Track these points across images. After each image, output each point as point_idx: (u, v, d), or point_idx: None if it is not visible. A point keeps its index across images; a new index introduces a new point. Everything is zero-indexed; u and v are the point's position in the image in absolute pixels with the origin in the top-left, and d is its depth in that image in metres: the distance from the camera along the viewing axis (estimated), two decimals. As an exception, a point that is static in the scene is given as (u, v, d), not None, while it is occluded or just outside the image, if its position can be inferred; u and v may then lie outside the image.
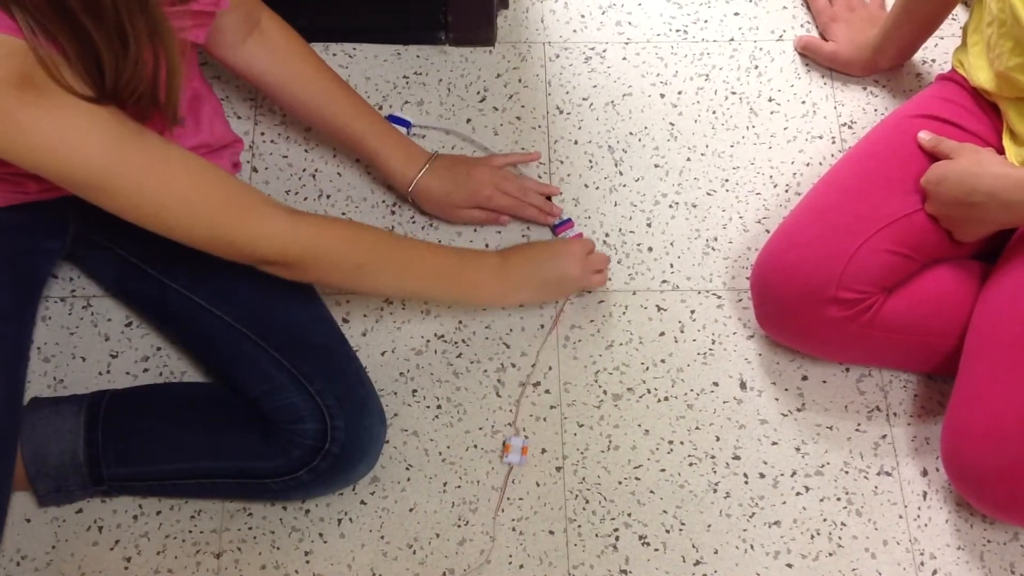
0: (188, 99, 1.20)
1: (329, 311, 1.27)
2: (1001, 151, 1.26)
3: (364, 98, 1.37)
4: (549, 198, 1.44)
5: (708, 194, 1.47)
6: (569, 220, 1.43)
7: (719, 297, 1.41)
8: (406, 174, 1.36)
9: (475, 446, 1.31)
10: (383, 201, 1.44)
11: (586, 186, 1.47)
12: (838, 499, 1.29)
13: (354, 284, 1.23)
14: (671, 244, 1.44)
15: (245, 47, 1.27)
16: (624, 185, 1.47)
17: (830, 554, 1.26)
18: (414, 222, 1.43)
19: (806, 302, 1.25)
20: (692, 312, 1.40)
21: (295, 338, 1.20)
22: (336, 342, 1.23)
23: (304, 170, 1.46)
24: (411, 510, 1.28)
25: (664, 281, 1.41)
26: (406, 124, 1.47)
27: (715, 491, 1.29)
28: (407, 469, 1.30)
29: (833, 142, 1.51)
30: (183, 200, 1.03)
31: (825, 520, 1.28)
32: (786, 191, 1.47)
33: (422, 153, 1.38)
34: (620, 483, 1.30)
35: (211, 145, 1.27)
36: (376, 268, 1.18)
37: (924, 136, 1.28)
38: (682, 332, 1.39)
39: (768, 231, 1.42)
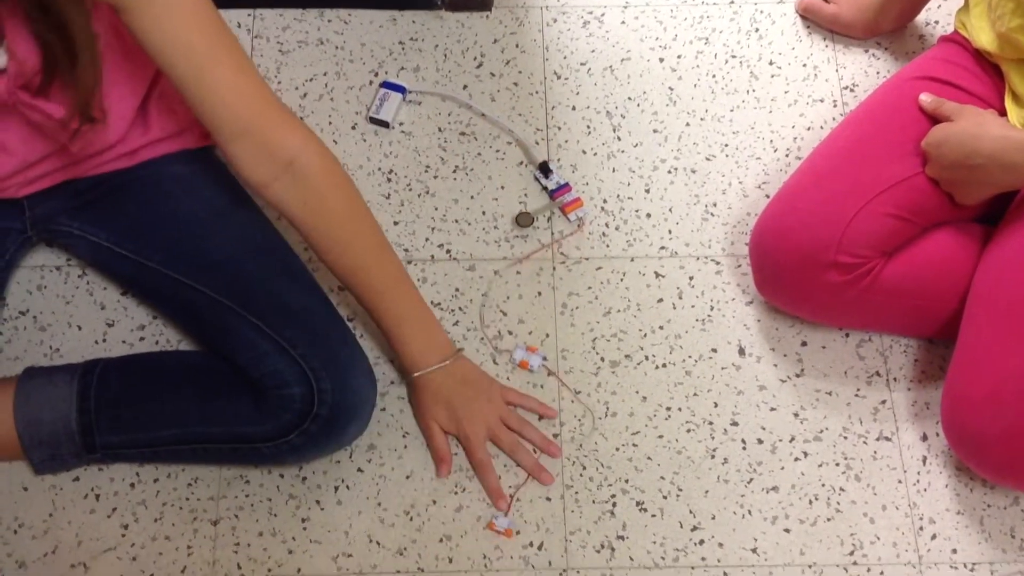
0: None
1: (312, 276, 1.26)
2: (1003, 113, 1.25)
3: (401, 265, 1.26)
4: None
5: (707, 159, 1.45)
6: (567, 185, 1.42)
7: (718, 263, 1.39)
8: (417, 362, 1.25)
9: (472, 413, 1.30)
10: (379, 169, 1.44)
11: (584, 152, 1.46)
12: (837, 464, 1.28)
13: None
14: (670, 210, 1.42)
15: (276, 186, 1.15)
16: (622, 151, 1.46)
17: (828, 519, 1.25)
18: (410, 189, 1.42)
19: (805, 267, 1.24)
20: (691, 278, 1.39)
21: (276, 304, 1.19)
22: (319, 306, 1.22)
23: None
24: (408, 477, 1.27)
25: (662, 247, 1.40)
26: (402, 90, 1.46)
27: (713, 457, 1.29)
28: (403, 436, 1.29)
29: (835, 105, 1.49)
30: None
31: (823, 485, 1.27)
32: (787, 156, 1.45)
33: (444, 345, 1.27)
34: (617, 450, 1.29)
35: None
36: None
37: (925, 98, 1.26)
38: (680, 298, 1.38)
39: (768, 196, 1.40)
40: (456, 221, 1.41)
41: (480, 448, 1.26)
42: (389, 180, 1.43)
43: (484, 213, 1.41)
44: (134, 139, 1.23)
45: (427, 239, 1.40)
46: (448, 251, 1.40)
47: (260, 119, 1.12)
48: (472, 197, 1.42)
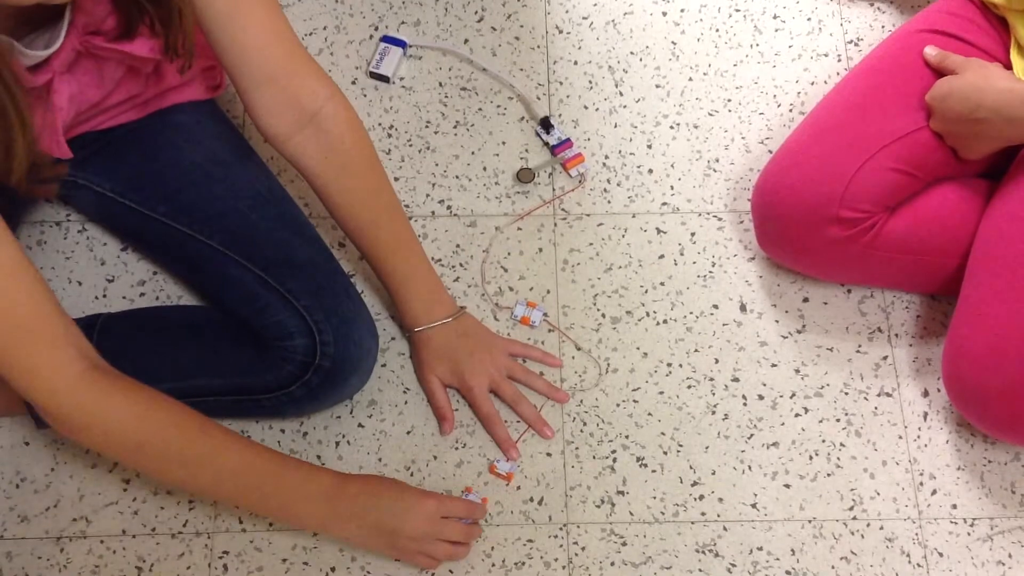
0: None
1: (315, 230, 1.26)
2: (1008, 66, 1.23)
3: (410, 224, 1.25)
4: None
5: (710, 115, 1.44)
6: (568, 140, 1.41)
7: (720, 219, 1.39)
8: (419, 318, 1.25)
9: (472, 369, 1.30)
10: (379, 124, 1.43)
11: (586, 107, 1.44)
12: (837, 420, 1.28)
13: (135, 465, 1.14)
14: (672, 166, 1.41)
15: (298, 139, 1.14)
16: (624, 106, 1.44)
17: (828, 475, 1.25)
18: (410, 145, 1.41)
19: (807, 222, 1.23)
20: (692, 234, 1.38)
21: (280, 257, 1.19)
22: (322, 259, 1.22)
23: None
24: (408, 433, 1.28)
25: (664, 203, 1.39)
26: (402, 45, 1.45)
27: (713, 413, 1.29)
28: (404, 392, 1.29)
29: (839, 60, 1.47)
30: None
31: (824, 441, 1.27)
32: (790, 111, 1.44)
33: (447, 303, 1.26)
34: (618, 406, 1.29)
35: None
36: (161, 454, 1.04)
37: (930, 51, 1.25)
38: (682, 255, 1.37)
39: (771, 152, 1.39)
40: (457, 177, 1.40)
41: (484, 401, 1.26)
42: (389, 136, 1.42)
43: (485, 169, 1.41)
44: (149, 88, 1.22)
45: (428, 195, 1.39)
46: (449, 207, 1.39)
47: (289, 65, 1.11)
48: (473, 153, 1.41)
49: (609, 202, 1.39)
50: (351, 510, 1.12)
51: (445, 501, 1.18)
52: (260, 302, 1.17)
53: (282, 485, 1.09)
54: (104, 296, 1.32)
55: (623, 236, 1.38)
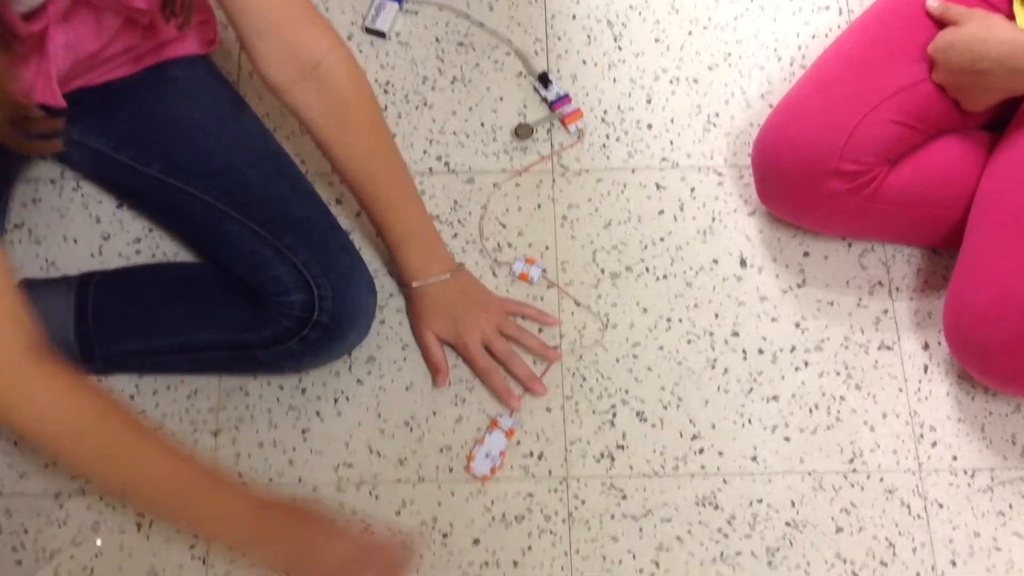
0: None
1: (312, 186, 1.25)
2: (1011, 16, 1.22)
3: (412, 180, 1.25)
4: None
5: (710, 69, 1.43)
6: (566, 95, 1.40)
7: (720, 174, 1.38)
8: (417, 274, 1.24)
9: (471, 325, 1.30)
10: (375, 80, 1.41)
11: (584, 62, 1.43)
12: (837, 374, 1.28)
13: (53, 452, 1.11)
14: (671, 121, 1.40)
15: (297, 89, 1.13)
16: (623, 61, 1.43)
17: (828, 428, 1.25)
18: (407, 101, 1.40)
19: (808, 176, 1.22)
20: (692, 190, 1.37)
21: (276, 212, 1.18)
22: (319, 214, 1.21)
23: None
24: (407, 389, 1.27)
25: (664, 159, 1.39)
26: (398, 0, 1.43)
27: (713, 368, 1.28)
28: (403, 349, 1.29)
29: (840, 13, 1.46)
30: None
31: (824, 394, 1.27)
32: (791, 65, 1.43)
33: (445, 261, 1.25)
34: (618, 361, 1.29)
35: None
36: (82, 447, 0.98)
37: (931, 2, 1.23)
38: (682, 210, 1.36)
39: (771, 106, 1.38)
40: (454, 133, 1.39)
41: (480, 355, 1.25)
42: (386, 92, 1.41)
43: (483, 125, 1.39)
44: (146, 41, 1.21)
45: (425, 151, 1.38)
46: (446, 164, 1.38)
47: (291, 15, 1.10)
48: (470, 109, 1.40)
49: (608, 158, 1.38)
50: (270, 535, 1.06)
51: (367, 542, 1.12)
52: (257, 258, 1.17)
53: (204, 502, 1.04)
54: (100, 254, 1.31)
55: (622, 192, 1.37)
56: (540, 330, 1.29)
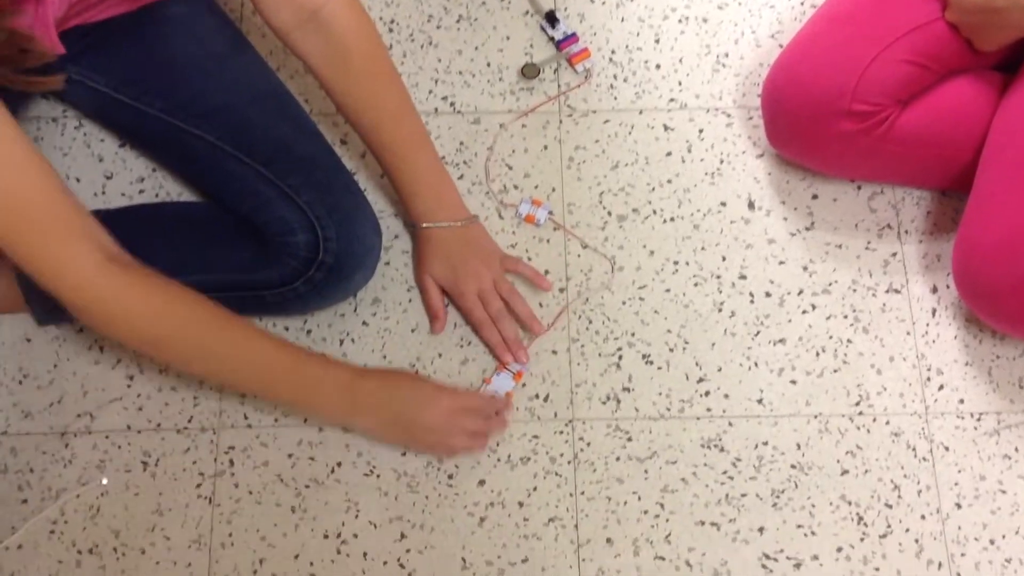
0: None
1: (316, 125, 1.23)
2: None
3: (422, 127, 1.23)
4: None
5: (719, 8, 1.41)
6: (574, 35, 1.38)
7: (728, 115, 1.36)
8: (422, 216, 1.23)
9: (477, 267, 1.29)
10: (379, 19, 1.39)
11: (592, 1, 1.41)
12: (845, 317, 1.27)
13: (156, 356, 1.14)
14: (680, 61, 1.38)
15: (297, 34, 1.13)
16: None
17: (835, 371, 1.25)
18: (412, 40, 1.38)
19: (819, 116, 1.20)
20: (700, 131, 1.35)
21: (280, 152, 1.17)
22: (323, 154, 1.20)
23: None
24: (413, 331, 1.27)
25: (672, 99, 1.37)
26: (403, -64, 1.41)
27: (720, 311, 1.28)
28: (408, 291, 1.28)
29: (852, -48, 1.43)
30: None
31: (831, 338, 1.26)
32: (802, 4, 1.41)
33: (456, 209, 1.24)
34: (624, 303, 1.28)
35: None
36: (182, 347, 1.05)
37: (946, -60, 1.21)
38: (689, 152, 1.35)
39: (781, 46, 1.36)
40: (460, 73, 1.38)
41: (475, 306, 1.24)
42: (391, 31, 1.39)
43: (489, 65, 1.38)
44: None
45: (430, 91, 1.37)
46: (452, 104, 1.36)
47: None
48: (476, 48, 1.38)
49: (615, 98, 1.37)
50: (369, 403, 1.14)
51: (461, 395, 1.18)
52: (261, 197, 1.16)
53: (302, 379, 1.11)
54: (103, 193, 1.30)
55: (630, 133, 1.35)
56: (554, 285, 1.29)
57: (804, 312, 1.27)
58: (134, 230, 1.22)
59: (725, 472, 1.21)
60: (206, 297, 1.05)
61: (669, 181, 1.33)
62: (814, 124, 1.21)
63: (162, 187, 1.31)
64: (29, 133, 1.32)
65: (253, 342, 1.08)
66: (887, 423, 1.23)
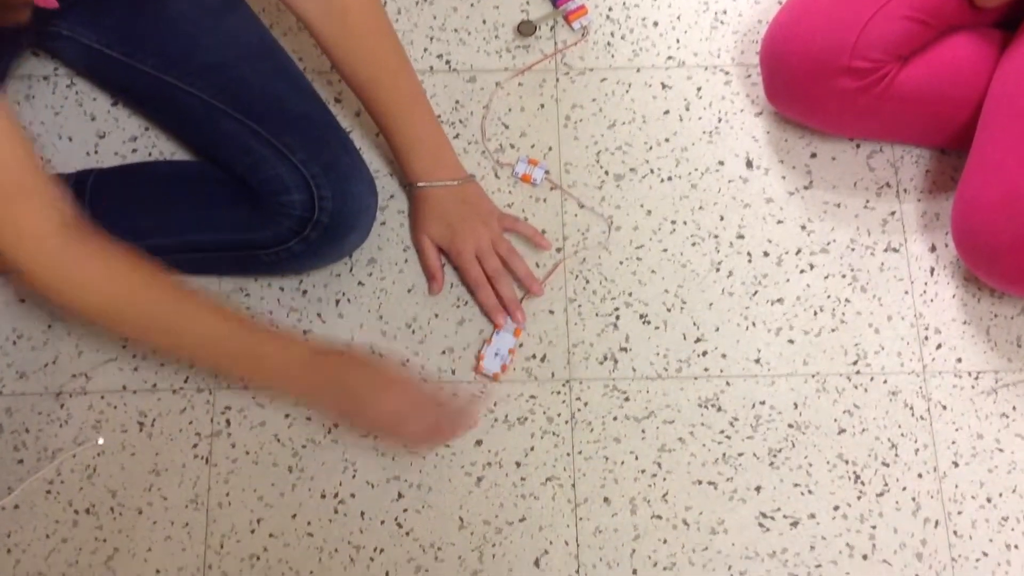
0: None
1: (310, 84, 1.22)
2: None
3: (419, 85, 1.22)
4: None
5: (717, -35, 1.39)
6: (574, -9, 1.37)
7: (727, 73, 1.35)
8: (418, 176, 1.22)
9: (473, 226, 1.28)
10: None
11: (589, -42, 1.39)
12: (843, 276, 1.27)
13: (111, 327, 1.12)
14: (677, 18, 1.37)
15: None
16: (629, -44, 1.40)
17: (833, 330, 1.25)
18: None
19: (818, 73, 1.19)
20: (698, 89, 1.34)
21: (274, 109, 1.15)
22: (318, 112, 1.19)
23: None
24: (409, 291, 1.26)
25: (670, 57, 1.36)
26: None
27: (717, 270, 1.27)
28: (404, 251, 1.28)
29: (852, -92, 1.42)
30: None
31: (829, 297, 1.26)
32: (800, -39, 1.39)
33: (452, 168, 1.23)
34: (621, 263, 1.27)
35: None
36: (135, 320, 1.04)
37: None
38: (687, 110, 1.34)
39: (781, 2, 1.35)
40: (455, 30, 1.36)
41: (472, 266, 1.23)
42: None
43: (484, 22, 1.36)
44: None
45: (425, 49, 1.35)
46: (447, 62, 1.35)
47: None
48: (472, 5, 1.37)
49: (613, 56, 1.35)
50: (324, 385, 1.09)
51: (422, 386, 1.15)
52: (255, 156, 1.15)
53: (259, 355, 1.07)
54: (96, 152, 1.29)
55: (627, 91, 1.34)
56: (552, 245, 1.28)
57: (802, 271, 1.27)
58: (127, 189, 1.22)
59: (722, 431, 1.21)
60: (164, 268, 1.03)
61: (667, 140, 1.32)
62: (813, 81, 1.20)
63: (155, 146, 1.30)
64: (20, 91, 1.31)
65: (208, 318, 1.06)
66: (885, 382, 1.23)
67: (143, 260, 1.02)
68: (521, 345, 1.24)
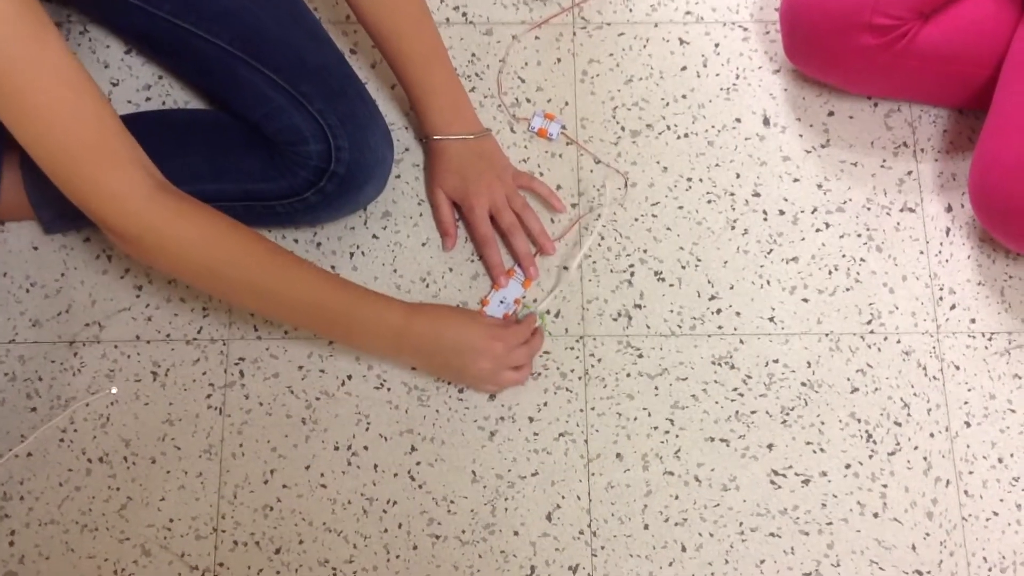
0: None
1: (328, 34, 1.20)
2: None
3: (439, 39, 1.20)
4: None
5: (737, -81, 1.38)
6: (588, -55, 1.35)
7: (745, 29, 1.34)
8: (436, 128, 1.22)
9: (489, 181, 1.28)
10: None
11: (607, -90, 1.38)
12: (859, 235, 1.26)
13: (206, 289, 1.12)
14: (696, -27, 1.36)
15: None
16: (648, -90, 1.38)
17: (847, 289, 1.24)
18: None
19: (839, 30, 1.18)
20: (716, 45, 1.33)
21: (292, 58, 1.14)
22: (335, 62, 1.17)
23: None
24: (423, 245, 1.26)
25: (688, 12, 1.34)
26: None
27: (733, 228, 1.27)
28: (419, 204, 1.27)
29: None
30: (51, 118, 0.91)
31: (844, 256, 1.26)
32: (821, -83, 1.38)
33: (469, 122, 1.23)
34: (636, 220, 1.27)
35: None
36: (234, 281, 1.04)
37: None
38: (705, 67, 1.33)
39: (800, -41, 1.33)
40: (472, -18, 1.35)
41: (482, 222, 1.23)
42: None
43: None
44: None
45: (442, 1, 1.34)
46: (464, 14, 1.34)
47: None
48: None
49: (631, 10, 1.34)
50: (417, 347, 1.13)
51: (505, 334, 1.16)
52: (272, 105, 1.13)
53: (351, 320, 1.10)
54: (109, 100, 1.27)
55: (644, 46, 1.33)
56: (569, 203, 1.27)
57: (817, 230, 1.27)
58: (140, 137, 1.19)
59: (735, 389, 1.21)
60: (257, 232, 1.04)
61: (684, 96, 1.31)
62: (834, 38, 1.19)
63: (169, 94, 1.28)
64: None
65: (307, 280, 1.07)
66: (898, 342, 1.23)
67: (237, 222, 1.03)
68: (535, 300, 1.23)
